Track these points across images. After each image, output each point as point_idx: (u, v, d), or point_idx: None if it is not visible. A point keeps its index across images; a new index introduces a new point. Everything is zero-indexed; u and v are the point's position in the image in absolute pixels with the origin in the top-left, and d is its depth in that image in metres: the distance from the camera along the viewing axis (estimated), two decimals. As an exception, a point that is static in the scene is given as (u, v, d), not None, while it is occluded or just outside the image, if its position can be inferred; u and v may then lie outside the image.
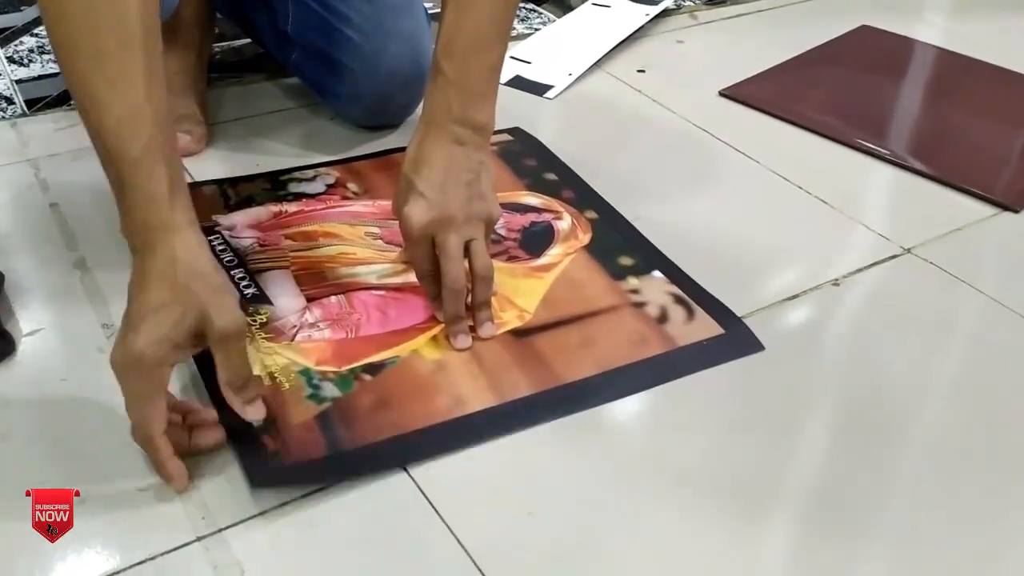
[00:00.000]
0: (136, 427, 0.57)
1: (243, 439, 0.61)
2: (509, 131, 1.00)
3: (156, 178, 0.55)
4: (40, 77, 1.04)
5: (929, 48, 1.28)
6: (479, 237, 0.70)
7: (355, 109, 0.96)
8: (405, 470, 0.61)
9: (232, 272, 0.75)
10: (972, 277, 0.83)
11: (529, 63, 1.16)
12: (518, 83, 1.11)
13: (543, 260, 0.81)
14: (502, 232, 0.83)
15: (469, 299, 0.71)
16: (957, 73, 1.22)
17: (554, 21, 1.29)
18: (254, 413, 0.59)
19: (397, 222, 0.71)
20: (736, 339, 0.73)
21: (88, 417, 0.63)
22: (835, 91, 1.16)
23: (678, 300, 0.77)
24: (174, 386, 0.64)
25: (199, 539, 0.55)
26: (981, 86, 1.19)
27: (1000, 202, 0.94)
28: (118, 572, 0.53)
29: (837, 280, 0.82)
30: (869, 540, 0.59)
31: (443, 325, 0.71)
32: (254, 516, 0.57)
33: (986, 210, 0.93)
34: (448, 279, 0.69)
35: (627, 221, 0.87)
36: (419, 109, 0.96)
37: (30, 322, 0.70)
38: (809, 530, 0.60)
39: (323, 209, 0.85)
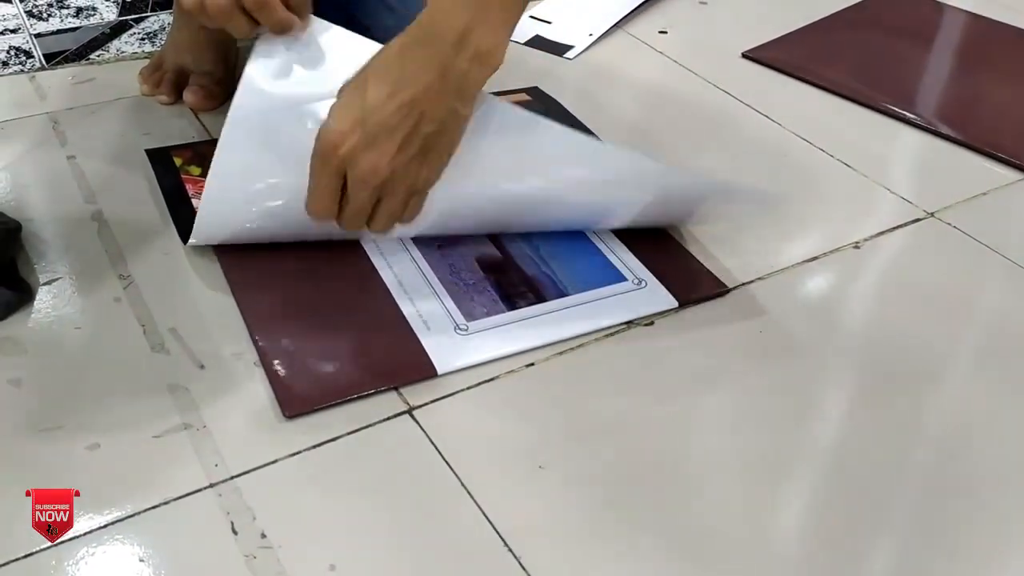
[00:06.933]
0: None
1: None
2: (528, 91, 0.99)
3: None
4: (59, 31, 1.04)
5: (959, 12, 1.26)
6: (392, 195, 0.60)
7: None
8: (414, 419, 0.61)
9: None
10: (996, 242, 0.81)
11: (549, 23, 1.14)
12: (538, 43, 1.10)
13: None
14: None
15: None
16: (987, 38, 1.20)
17: (576, -19, 1.27)
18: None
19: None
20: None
21: (102, 365, 0.63)
22: (861, 54, 1.14)
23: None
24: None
25: (212, 485, 0.56)
26: (1011, 51, 1.17)
27: (1027, 168, 0.92)
28: (132, 516, 0.54)
29: (858, 243, 0.81)
30: (885, 509, 0.59)
31: None
32: (267, 464, 0.57)
33: (1012, 175, 0.92)
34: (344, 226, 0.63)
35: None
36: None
37: (47, 272, 0.71)
38: (823, 498, 0.59)
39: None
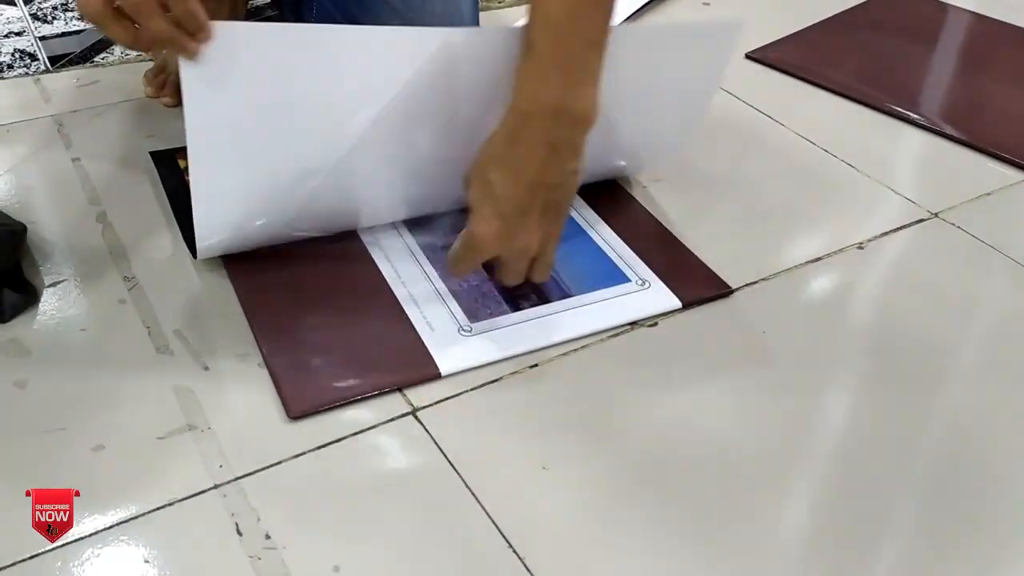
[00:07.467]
0: None
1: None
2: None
3: None
4: (64, 34, 1.04)
5: (963, 13, 1.25)
6: (545, 252, 0.67)
7: None
8: (418, 421, 0.61)
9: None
10: (1000, 242, 0.81)
11: (553, 24, 1.14)
12: (541, 44, 1.10)
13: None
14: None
15: None
16: (991, 38, 1.20)
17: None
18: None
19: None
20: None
21: (107, 367, 0.63)
22: (865, 55, 1.14)
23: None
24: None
25: (216, 486, 0.56)
26: (1015, 52, 1.16)
27: (1031, 168, 0.92)
28: (136, 517, 0.54)
29: (862, 244, 0.81)
30: (889, 509, 0.59)
31: None
32: (271, 465, 0.57)
33: (1017, 175, 0.92)
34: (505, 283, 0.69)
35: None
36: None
37: (52, 273, 0.71)
38: (827, 499, 0.59)
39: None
